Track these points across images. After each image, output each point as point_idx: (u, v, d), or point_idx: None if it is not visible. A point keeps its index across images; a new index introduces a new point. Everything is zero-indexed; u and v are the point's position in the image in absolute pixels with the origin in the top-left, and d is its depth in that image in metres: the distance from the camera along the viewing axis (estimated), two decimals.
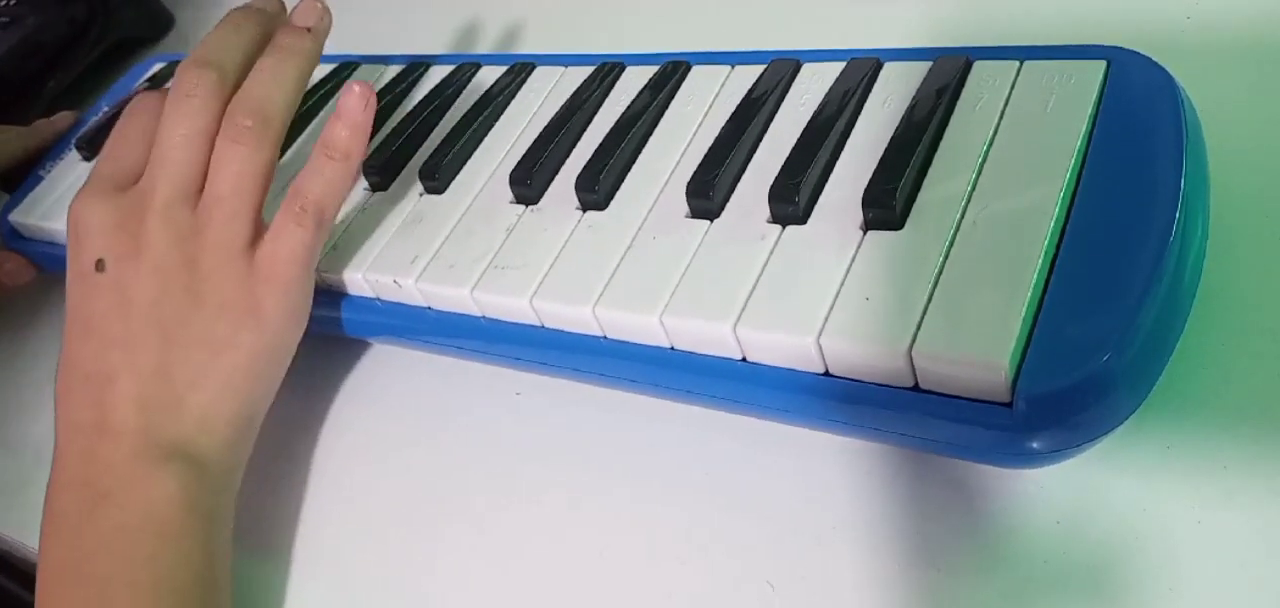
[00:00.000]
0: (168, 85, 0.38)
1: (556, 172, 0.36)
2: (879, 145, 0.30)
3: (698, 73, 0.37)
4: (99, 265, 0.34)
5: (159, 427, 0.32)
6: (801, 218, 0.30)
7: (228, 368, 0.33)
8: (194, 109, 0.35)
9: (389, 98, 0.43)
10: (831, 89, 0.33)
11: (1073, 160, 0.27)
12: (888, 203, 0.28)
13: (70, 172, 0.50)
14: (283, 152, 0.42)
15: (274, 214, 0.35)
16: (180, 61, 0.55)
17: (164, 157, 0.34)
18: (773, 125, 0.33)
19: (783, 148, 0.32)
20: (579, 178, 0.34)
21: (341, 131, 0.35)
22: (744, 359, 0.28)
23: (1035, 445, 0.24)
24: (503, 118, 0.40)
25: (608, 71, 0.39)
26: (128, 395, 0.32)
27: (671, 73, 0.37)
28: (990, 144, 0.29)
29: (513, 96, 0.40)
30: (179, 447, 0.32)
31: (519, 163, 0.36)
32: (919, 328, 0.25)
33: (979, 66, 0.31)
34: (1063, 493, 0.27)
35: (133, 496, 0.31)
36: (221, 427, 0.33)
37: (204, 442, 0.33)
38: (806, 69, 0.35)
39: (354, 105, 0.35)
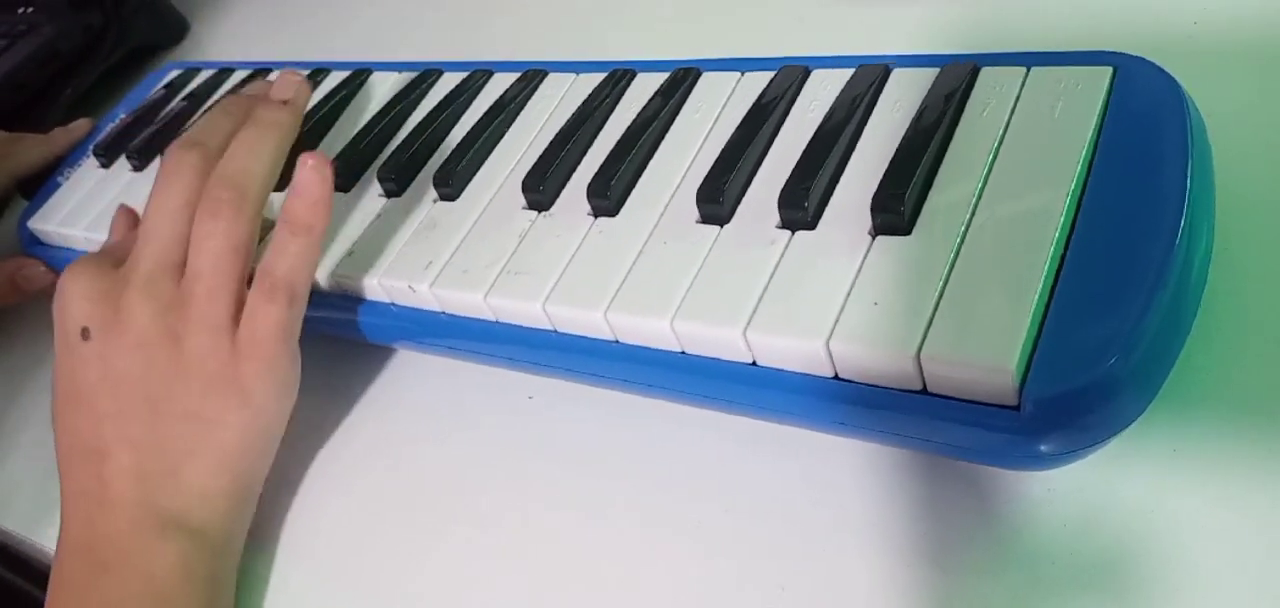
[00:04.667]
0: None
1: (568, 178, 0.36)
2: (887, 151, 0.30)
3: (707, 79, 0.37)
4: (84, 334, 0.34)
5: (156, 498, 0.33)
6: (811, 223, 0.30)
7: (219, 445, 0.33)
8: (177, 186, 0.35)
9: (402, 105, 0.44)
10: (840, 95, 0.34)
11: (1079, 165, 0.27)
12: (896, 208, 0.28)
13: (88, 178, 0.50)
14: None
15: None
16: (193, 68, 0.56)
17: (148, 232, 0.35)
18: (782, 131, 0.34)
19: (792, 154, 0.32)
20: (591, 184, 0.34)
21: (300, 208, 0.35)
22: (754, 363, 0.29)
23: (1042, 448, 0.24)
24: (515, 125, 0.40)
25: (619, 79, 0.39)
26: (125, 468, 0.33)
27: (682, 80, 0.38)
28: (997, 149, 0.29)
29: (525, 104, 0.41)
30: (177, 518, 0.33)
31: (531, 169, 0.36)
32: (927, 332, 0.25)
33: (986, 72, 0.32)
34: (1070, 495, 0.27)
35: (133, 566, 0.32)
36: (218, 500, 0.33)
37: (202, 513, 0.33)
38: (815, 75, 0.35)
39: (310, 181, 0.35)
